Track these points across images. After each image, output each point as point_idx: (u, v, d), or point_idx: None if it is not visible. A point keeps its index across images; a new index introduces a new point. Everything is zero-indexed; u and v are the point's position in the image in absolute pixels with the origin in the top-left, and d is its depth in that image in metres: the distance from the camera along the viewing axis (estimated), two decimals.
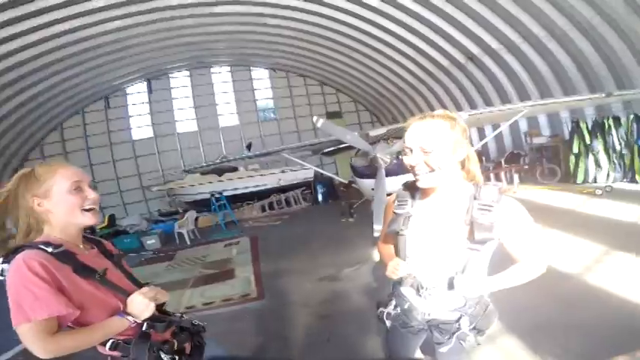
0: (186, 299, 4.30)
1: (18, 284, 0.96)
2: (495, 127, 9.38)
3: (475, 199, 1.10)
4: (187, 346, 1.26)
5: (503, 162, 8.87)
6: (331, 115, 15.61)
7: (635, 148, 6.35)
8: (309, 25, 11.13)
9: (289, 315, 3.23)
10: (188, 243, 8.27)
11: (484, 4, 8.01)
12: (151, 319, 1.13)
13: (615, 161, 6.82)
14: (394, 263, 1.20)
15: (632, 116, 6.46)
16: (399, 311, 1.28)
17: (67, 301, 0.98)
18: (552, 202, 6.32)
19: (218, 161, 11.25)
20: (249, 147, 13.55)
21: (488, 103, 10.26)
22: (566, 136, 7.98)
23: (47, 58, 9.45)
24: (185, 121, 15.49)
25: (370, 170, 4.63)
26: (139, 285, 1.26)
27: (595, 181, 7.00)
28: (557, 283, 3.09)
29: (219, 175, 11.93)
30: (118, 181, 14.07)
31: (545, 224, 4.86)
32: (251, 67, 15.95)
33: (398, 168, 5.35)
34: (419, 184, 1.14)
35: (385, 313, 1.31)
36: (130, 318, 1.08)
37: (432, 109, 12.54)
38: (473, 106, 10.76)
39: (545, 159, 8.49)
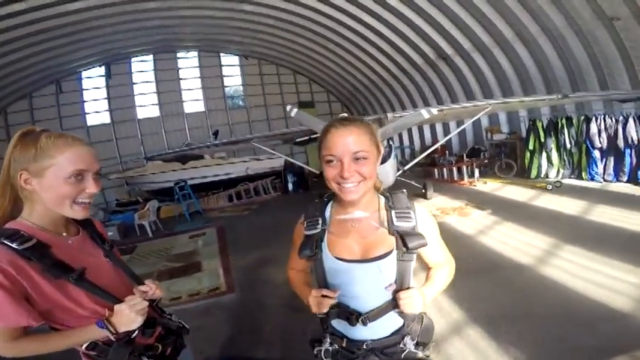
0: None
1: None
2: (460, 123, 9.82)
3: (391, 207, 1.03)
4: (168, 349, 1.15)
5: (465, 156, 9.33)
6: (303, 105, 15.44)
7: (583, 147, 6.89)
8: (286, 14, 10.79)
9: (262, 309, 3.13)
10: (150, 235, 7.83)
11: (462, 5, 8.17)
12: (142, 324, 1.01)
13: (565, 159, 7.40)
14: (317, 296, 0.99)
15: (582, 117, 6.96)
16: (336, 347, 1.10)
17: (29, 311, 0.86)
18: (508, 194, 6.77)
19: (184, 148, 10.74)
20: (215, 134, 13.02)
21: (454, 100, 10.65)
22: (524, 133, 8.49)
23: None
24: (146, 106, 14.55)
25: None
26: (135, 278, 1.14)
27: (547, 177, 7.59)
28: (512, 274, 3.32)
29: (183, 164, 11.37)
30: None
31: (502, 216, 5.22)
32: (221, 53, 15.29)
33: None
34: (350, 197, 0.97)
35: (323, 352, 1.11)
36: (109, 329, 0.94)
37: (403, 104, 12.95)
38: (440, 102, 11.07)
39: (504, 154, 9.02)
